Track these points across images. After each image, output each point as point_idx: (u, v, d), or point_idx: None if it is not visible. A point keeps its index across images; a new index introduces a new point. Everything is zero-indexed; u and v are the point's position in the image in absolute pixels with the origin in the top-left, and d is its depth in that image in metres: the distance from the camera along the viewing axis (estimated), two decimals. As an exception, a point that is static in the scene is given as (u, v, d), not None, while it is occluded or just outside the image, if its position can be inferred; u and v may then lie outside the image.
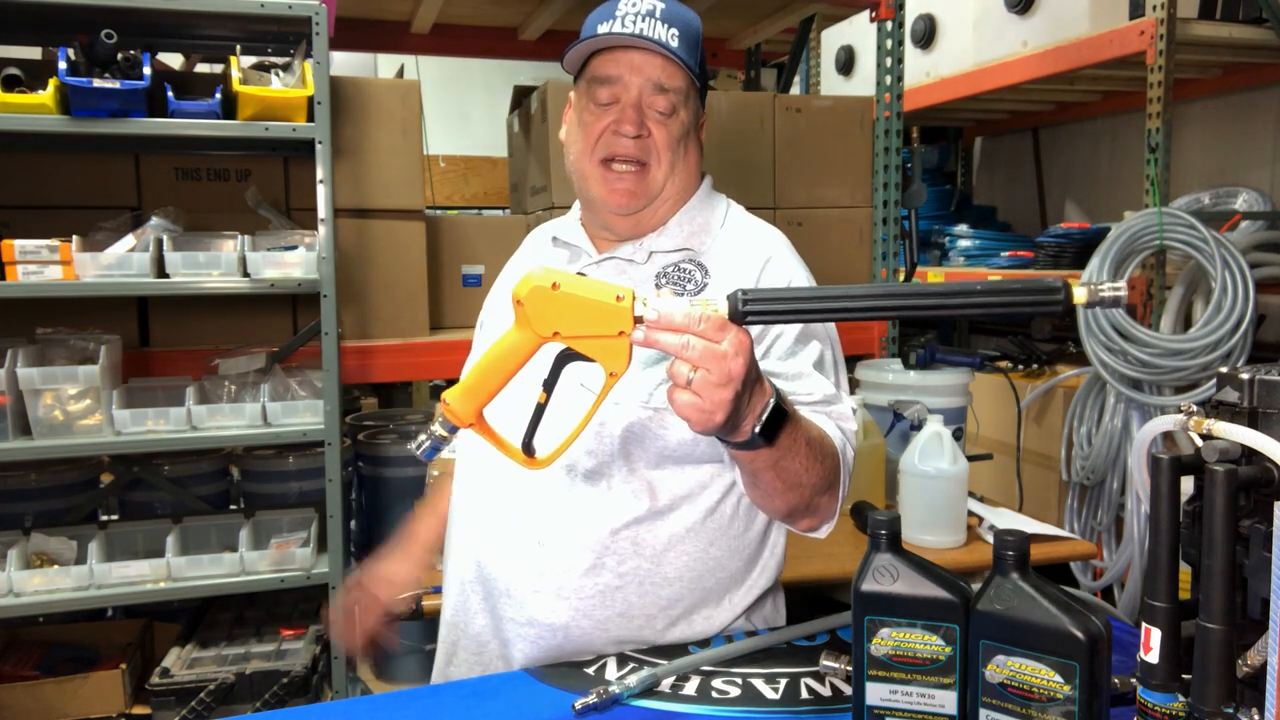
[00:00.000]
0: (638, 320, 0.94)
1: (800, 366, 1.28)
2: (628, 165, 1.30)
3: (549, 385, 1.01)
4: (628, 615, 1.27)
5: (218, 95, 2.20)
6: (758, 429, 1.03)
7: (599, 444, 1.26)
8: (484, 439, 1.02)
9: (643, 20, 1.27)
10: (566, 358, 0.99)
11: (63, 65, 2.03)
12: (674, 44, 1.27)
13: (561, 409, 1.05)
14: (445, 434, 1.00)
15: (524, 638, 1.27)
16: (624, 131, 1.28)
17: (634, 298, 0.94)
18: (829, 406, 1.27)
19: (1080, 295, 0.86)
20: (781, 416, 1.06)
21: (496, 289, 1.53)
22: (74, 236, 2.13)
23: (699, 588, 1.30)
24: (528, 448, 1.03)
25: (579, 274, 1.14)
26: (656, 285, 1.33)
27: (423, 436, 1.01)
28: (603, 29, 1.27)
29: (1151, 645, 0.90)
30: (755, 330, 1.28)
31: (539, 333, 0.97)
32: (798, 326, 1.29)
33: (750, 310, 0.93)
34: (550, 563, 1.26)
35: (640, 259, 1.35)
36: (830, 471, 1.20)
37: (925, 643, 0.97)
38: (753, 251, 1.35)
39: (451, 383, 1.07)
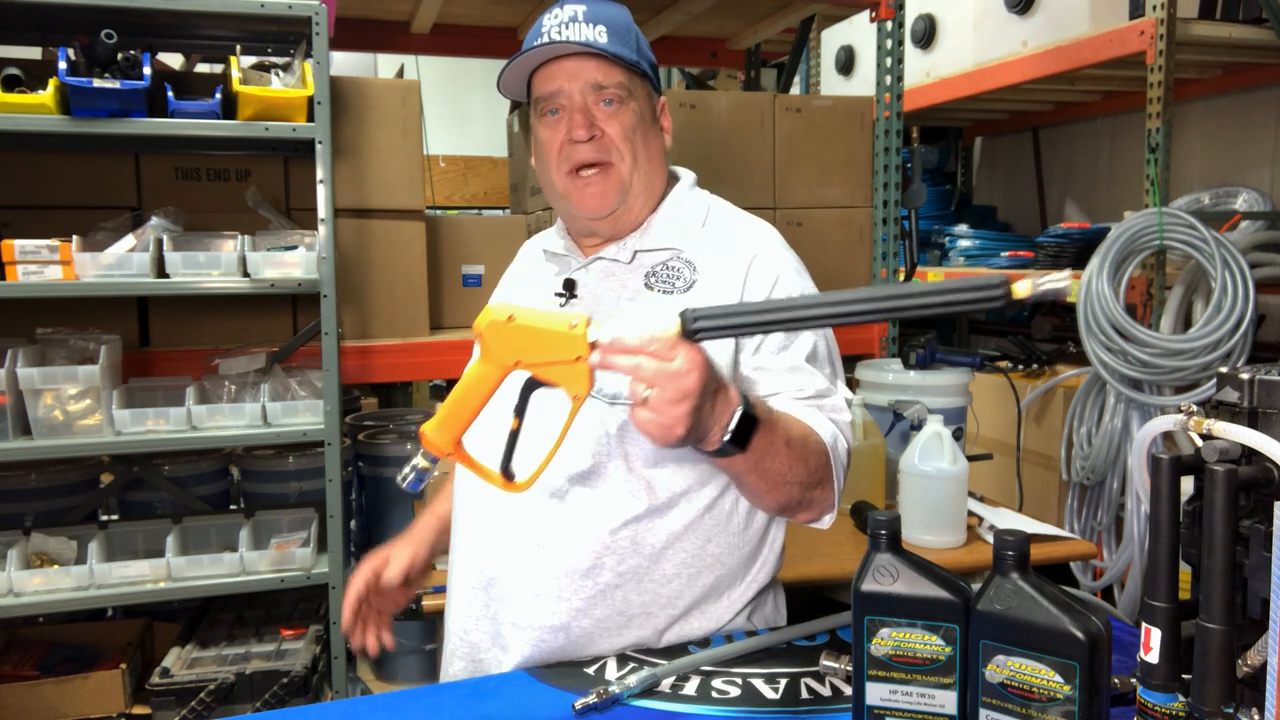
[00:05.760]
0: (593, 345, 0.97)
1: (793, 360, 1.29)
2: (592, 169, 1.32)
3: (519, 411, 1.05)
4: (627, 614, 1.27)
5: (218, 95, 2.20)
6: (726, 438, 1.06)
7: (597, 444, 1.26)
8: (464, 466, 1.07)
9: (566, 28, 1.29)
10: (533, 384, 1.03)
11: (63, 65, 2.03)
12: (601, 40, 1.28)
13: (545, 430, 1.07)
14: (427, 464, 1.07)
15: (525, 640, 1.27)
16: (577, 137, 1.30)
17: (587, 323, 0.98)
18: (821, 400, 1.29)
19: (1022, 289, 0.87)
20: (751, 423, 1.08)
21: (495, 298, 1.55)
22: (74, 236, 2.13)
23: (698, 584, 1.30)
24: (506, 472, 1.06)
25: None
26: (646, 286, 1.34)
27: (407, 469, 1.07)
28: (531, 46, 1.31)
29: (1151, 645, 0.90)
30: None
31: (502, 363, 1.02)
32: None
33: (700, 328, 0.96)
34: (550, 564, 1.26)
35: (624, 259, 1.36)
36: (818, 467, 1.21)
37: (925, 643, 0.97)
38: (741, 247, 1.36)
39: (451, 383, 1.11)
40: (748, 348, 1.29)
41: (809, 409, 1.26)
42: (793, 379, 1.28)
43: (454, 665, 1.36)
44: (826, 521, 1.29)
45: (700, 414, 1.00)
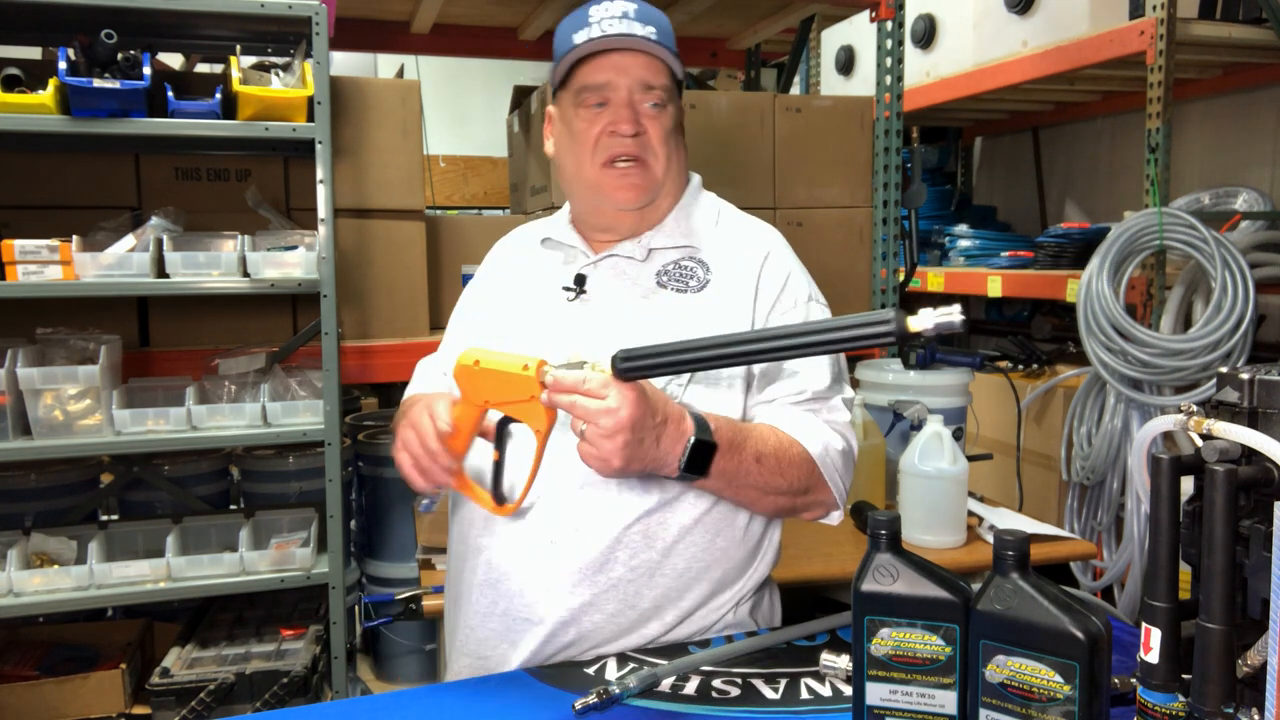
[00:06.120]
0: (545, 385, 1.09)
1: (796, 365, 1.32)
2: (628, 163, 1.32)
3: (498, 445, 1.19)
4: (638, 608, 1.28)
5: (218, 95, 2.20)
6: (682, 466, 1.15)
7: None
8: (463, 493, 1.23)
9: (620, 23, 1.29)
10: (505, 420, 1.17)
11: (63, 65, 2.03)
12: (654, 40, 1.30)
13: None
14: (435, 490, 1.23)
15: (535, 636, 1.28)
16: (621, 131, 1.30)
17: (540, 365, 1.09)
18: (817, 403, 1.32)
19: (917, 324, 0.90)
20: (709, 449, 1.16)
21: (475, 284, 1.54)
22: (74, 236, 2.13)
23: (706, 578, 1.32)
24: (497, 496, 1.20)
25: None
26: (659, 284, 1.35)
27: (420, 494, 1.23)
28: (579, 37, 1.29)
29: (1151, 645, 0.90)
30: (758, 324, 1.31)
31: (474, 403, 1.15)
32: (801, 315, 1.35)
33: (628, 368, 1.06)
34: (563, 560, 1.27)
35: (640, 256, 1.36)
36: (802, 475, 1.27)
37: (925, 643, 0.97)
38: (753, 247, 1.38)
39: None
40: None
41: (804, 414, 1.30)
42: (794, 381, 1.32)
43: (460, 663, 1.36)
44: (835, 518, 1.34)
45: (641, 447, 1.10)
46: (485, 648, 1.33)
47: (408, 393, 1.53)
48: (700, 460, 1.16)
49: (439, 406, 1.19)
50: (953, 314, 0.88)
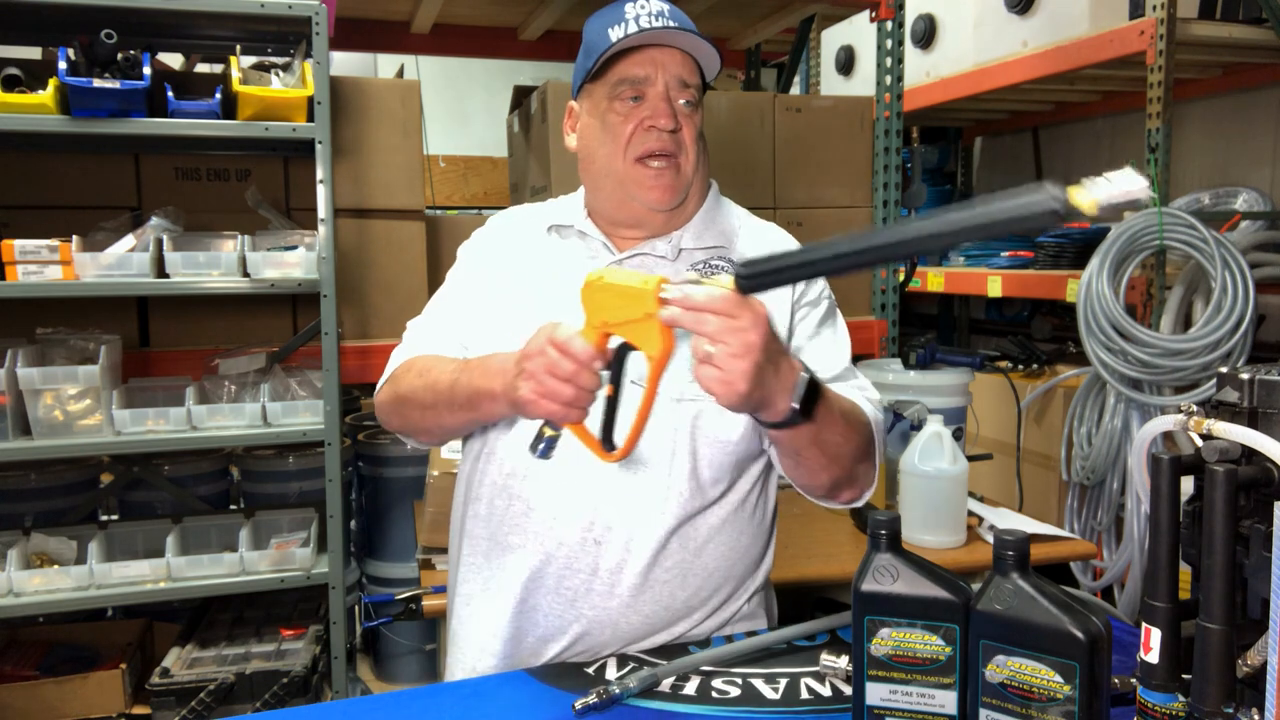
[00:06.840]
0: (664, 302, 0.97)
1: (824, 344, 1.35)
2: (663, 160, 1.30)
3: (614, 379, 1.07)
4: (672, 609, 1.29)
5: (218, 95, 2.20)
6: (795, 404, 1.06)
7: (660, 439, 1.27)
8: (575, 435, 1.09)
9: (658, 19, 1.27)
10: (623, 349, 1.05)
11: (63, 65, 2.03)
12: (694, 41, 1.29)
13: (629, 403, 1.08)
14: (554, 433, 1.07)
15: (571, 635, 1.28)
16: (660, 126, 1.28)
17: (660, 282, 0.98)
18: (846, 382, 1.33)
19: (1086, 200, 0.72)
20: (816, 390, 1.10)
21: (474, 262, 1.46)
22: (74, 236, 2.13)
23: (731, 577, 1.33)
24: (607, 441, 1.08)
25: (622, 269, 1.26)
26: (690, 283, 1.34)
27: (534, 438, 1.08)
28: (615, 32, 1.27)
29: (1151, 645, 0.90)
30: (780, 317, 1.32)
31: (593, 324, 1.04)
32: (821, 309, 1.37)
33: (751, 275, 0.96)
34: (606, 560, 1.27)
35: (670, 255, 1.36)
36: (865, 440, 1.25)
37: (925, 643, 0.97)
38: (779, 246, 1.37)
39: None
40: (779, 331, 1.32)
41: (840, 385, 1.31)
42: (822, 359, 1.33)
43: (483, 662, 1.34)
44: (864, 500, 1.33)
45: (763, 375, 1.00)
46: (512, 646, 1.32)
47: (402, 355, 1.41)
48: (809, 400, 1.08)
49: (561, 330, 1.06)
50: (1130, 183, 0.71)
